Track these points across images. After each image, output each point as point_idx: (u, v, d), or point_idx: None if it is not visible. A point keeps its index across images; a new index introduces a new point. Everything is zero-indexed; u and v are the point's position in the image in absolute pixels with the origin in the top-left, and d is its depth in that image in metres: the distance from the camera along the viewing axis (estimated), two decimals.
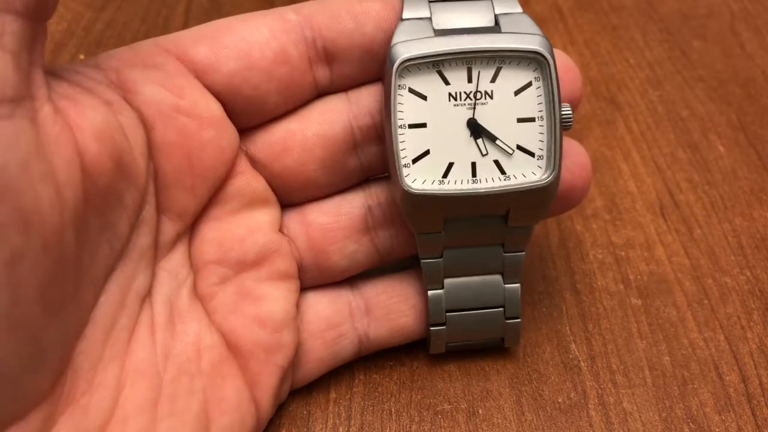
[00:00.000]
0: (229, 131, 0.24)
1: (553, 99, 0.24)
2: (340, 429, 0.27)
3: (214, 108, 0.24)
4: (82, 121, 0.20)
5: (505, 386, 0.28)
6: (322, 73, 0.25)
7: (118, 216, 0.22)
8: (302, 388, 0.28)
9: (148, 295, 0.24)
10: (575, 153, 0.27)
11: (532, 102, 0.25)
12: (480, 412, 0.27)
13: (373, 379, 0.28)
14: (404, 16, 0.25)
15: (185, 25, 0.47)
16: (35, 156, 0.19)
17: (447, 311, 0.27)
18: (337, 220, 0.27)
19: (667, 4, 0.50)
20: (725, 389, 0.28)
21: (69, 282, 0.20)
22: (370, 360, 0.29)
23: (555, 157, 0.25)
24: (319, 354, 0.27)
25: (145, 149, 0.23)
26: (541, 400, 0.28)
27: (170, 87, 0.23)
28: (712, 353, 0.29)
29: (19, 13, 0.18)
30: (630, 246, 0.34)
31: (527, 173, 0.25)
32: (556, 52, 0.25)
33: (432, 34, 0.24)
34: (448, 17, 0.25)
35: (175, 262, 0.24)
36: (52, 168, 0.19)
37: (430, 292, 0.27)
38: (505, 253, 0.27)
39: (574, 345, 0.30)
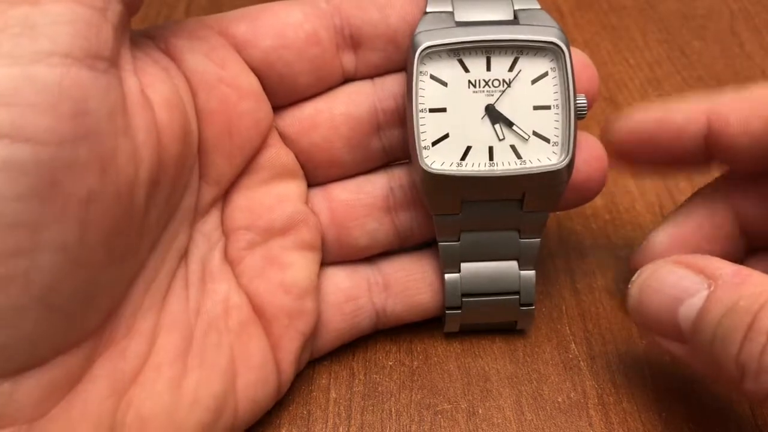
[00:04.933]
0: (265, 104, 0.26)
1: (568, 88, 0.25)
2: (340, 429, 0.27)
3: (252, 81, 0.25)
4: (153, 93, 0.22)
5: (505, 386, 0.28)
6: (349, 59, 0.27)
7: (179, 180, 0.24)
8: (302, 388, 0.28)
9: (184, 254, 0.25)
10: (591, 146, 0.28)
11: (549, 91, 0.26)
12: (480, 412, 0.27)
13: (373, 379, 0.28)
14: (428, 10, 0.26)
15: None
16: (120, 111, 0.21)
17: (463, 295, 0.28)
18: (359, 198, 0.28)
19: (667, 4, 0.50)
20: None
21: (133, 235, 0.22)
22: (370, 360, 0.29)
23: (569, 143, 0.26)
24: (337, 325, 0.28)
25: (195, 115, 0.24)
26: (541, 399, 0.28)
27: (213, 58, 0.25)
28: None
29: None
30: (630, 246, 0.34)
31: (542, 158, 0.26)
32: (573, 50, 0.26)
33: (453, 25, 0.26)
34: (469, 11, 0.26)
35: (209, 225, 0.26)
36: (132, 127, 0.21)
37: (446, 276, 0.28)
38: (521, 239, 0.28)
39: (574, 345, 0.30)
